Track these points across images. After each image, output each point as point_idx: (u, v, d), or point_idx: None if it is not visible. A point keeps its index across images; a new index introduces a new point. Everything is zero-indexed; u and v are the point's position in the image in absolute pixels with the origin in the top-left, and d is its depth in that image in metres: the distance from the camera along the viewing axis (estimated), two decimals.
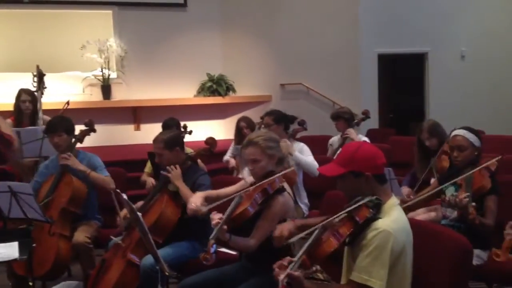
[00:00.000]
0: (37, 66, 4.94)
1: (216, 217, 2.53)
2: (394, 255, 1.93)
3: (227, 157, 5.10)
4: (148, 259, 2.91)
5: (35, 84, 4.90)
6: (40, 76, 4.91)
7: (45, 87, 4.96)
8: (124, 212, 3.29)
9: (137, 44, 7.42)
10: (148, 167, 4.43)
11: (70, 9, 7.32)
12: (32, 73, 4.91)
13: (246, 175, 4.36)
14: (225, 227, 2.47)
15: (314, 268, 2.02)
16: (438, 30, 7.71)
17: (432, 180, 3.56)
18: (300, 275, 1.91)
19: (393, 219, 1.99)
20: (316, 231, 2.00)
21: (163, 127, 4.49)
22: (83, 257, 3.44)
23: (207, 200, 2.85)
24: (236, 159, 4.88)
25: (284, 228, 2.40)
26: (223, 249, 3.25)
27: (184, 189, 3.21)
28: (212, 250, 2.47)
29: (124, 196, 2.67)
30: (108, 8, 7.48)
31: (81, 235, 3.45)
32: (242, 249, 2.73)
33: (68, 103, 4.84)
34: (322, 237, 1.99)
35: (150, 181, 4.20)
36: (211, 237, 2.47)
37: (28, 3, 7.09)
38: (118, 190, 2.89)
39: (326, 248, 1.95)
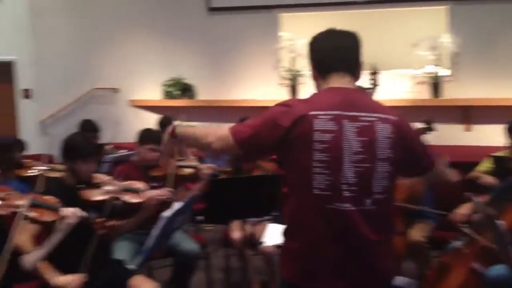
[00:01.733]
0: (373, 64, 5.10)
1: None
2: None
3: None
4: (497, 270, 2.63)
5: (371, 82, 5.09)
6: (374, 74, 5.08)
7: (378, 85, 5.11)
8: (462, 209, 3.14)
9: (472, 40, 6.90)
10: (483, 167, 4.23)
11: (403, 7, 7.33)
12: (368, 71, 5.09)
13: None
14: None
15: None
16: None
17: None
18: None
19: None
20: None
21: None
22: (418, 256, 3.38)
23: None
24: None
25: None
26: None
27: None
28: None
29: (479, 199, 2.46)
30: (443, 3, 7.19)
31: (417, 234, 3.39)
32: None
33: None
34: None
35: (487, 178, 4.06)
36: None
37: (362, 4, 7.42)
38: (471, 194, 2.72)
39: None
